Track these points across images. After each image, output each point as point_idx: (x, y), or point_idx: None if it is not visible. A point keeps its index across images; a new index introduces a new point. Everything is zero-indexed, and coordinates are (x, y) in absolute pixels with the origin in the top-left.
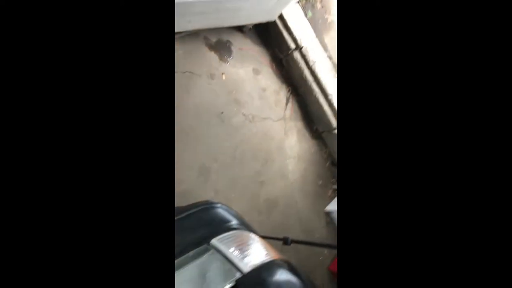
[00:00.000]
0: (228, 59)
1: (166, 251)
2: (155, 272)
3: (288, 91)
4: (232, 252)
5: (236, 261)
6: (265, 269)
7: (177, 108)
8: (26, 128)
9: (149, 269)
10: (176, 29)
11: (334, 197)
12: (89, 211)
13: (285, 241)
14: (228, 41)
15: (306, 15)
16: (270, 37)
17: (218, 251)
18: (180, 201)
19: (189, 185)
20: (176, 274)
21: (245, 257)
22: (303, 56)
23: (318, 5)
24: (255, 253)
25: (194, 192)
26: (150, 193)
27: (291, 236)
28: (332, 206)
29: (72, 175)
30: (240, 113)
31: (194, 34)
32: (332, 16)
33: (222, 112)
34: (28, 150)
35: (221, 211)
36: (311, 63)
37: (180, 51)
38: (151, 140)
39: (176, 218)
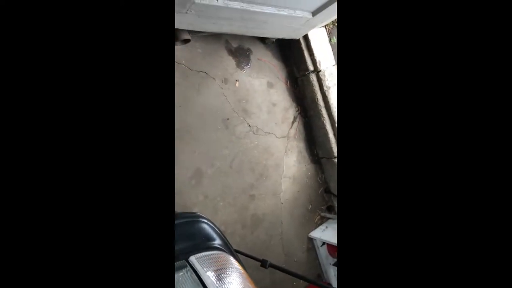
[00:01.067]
0: (245, 67)
1: (165, 252)
2: (155, 273)
3: (297, 110)
4: (209, 277)
5: None
6: None
7: (185, 105)
8: (26, 129)
9: (148, 270)
10: (200, 29)
11: (320, 224)
12: (89, 211)
13: (264, 263)
14: (248, 49)
15: (330, 40)
16: (291, 54)
17: (195, 270)
18: None
19: (180, 185)
20: None
21: (222, 286)
22: (319, 80)
23: None
24: (232, 283)
25: (183, 193)
26: (150, 193)
27: (271, 256)
28: (317, 233)
29: (72, 174)
30: (246, 123)
31: (216, 36)
32: None
33: (228, 119)
34: (29, 150)
35: (206, 227)
36: (325, 88)
37: (199, 50)
38: (151, 139)
39: None
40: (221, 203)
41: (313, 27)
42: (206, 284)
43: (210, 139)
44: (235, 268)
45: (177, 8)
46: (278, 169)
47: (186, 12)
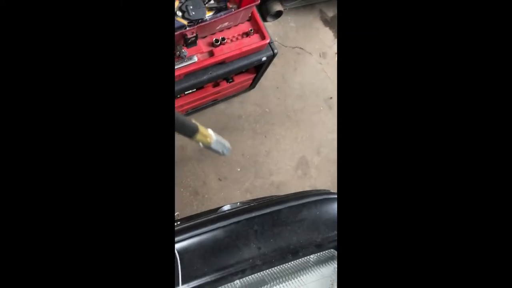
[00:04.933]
0: None
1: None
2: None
3: None
4: None
5: None
6: None
7: (282, 86)
8: (25, 130)
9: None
10: None
11: None
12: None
13: None
14: None
15: None
16: None
17: None
18: (273, 192)
19: (285, 177)
20: (291, 279)
21: None
22: None
23: None
24: None
25: (289, 185)
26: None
27: None
28: None
29: (72, 174)
30: None
31: (309, 6)
32: None
33: (331, 98)
34: (27, 152)
35: None
36: None
37: (292, 24)
38: (149, 140)
39: (288, 204)
40: None
41: None
42: None
43: (313, 123)
44: None
45: None
46: None
47: None
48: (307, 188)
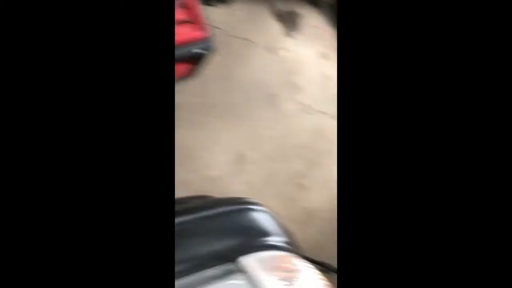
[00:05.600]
0: (294, 34)
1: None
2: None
3: None
4: (272, 284)
5: None
6: None
7: (224, 77)
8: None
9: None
10: None
11: None
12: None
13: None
14: (298, 13)
15: None
16: None
17: (249, 277)
18: (206, 187)
19: (220, 171)
20: None
21: None
22: None
23: None
24: None
25: (223, 181)
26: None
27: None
28: None
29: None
30: (294, 99)
31: None
32: None
33: (273, 94)
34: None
35: (262, 218)
36: None
37: (239, 12)
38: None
39: (200, 214)
40: (266, 192)
41: None
42: None
43: (253, 118)
44: (308, 271)
45: None
46: (332, 156)
47: None
48: (242, 184)
